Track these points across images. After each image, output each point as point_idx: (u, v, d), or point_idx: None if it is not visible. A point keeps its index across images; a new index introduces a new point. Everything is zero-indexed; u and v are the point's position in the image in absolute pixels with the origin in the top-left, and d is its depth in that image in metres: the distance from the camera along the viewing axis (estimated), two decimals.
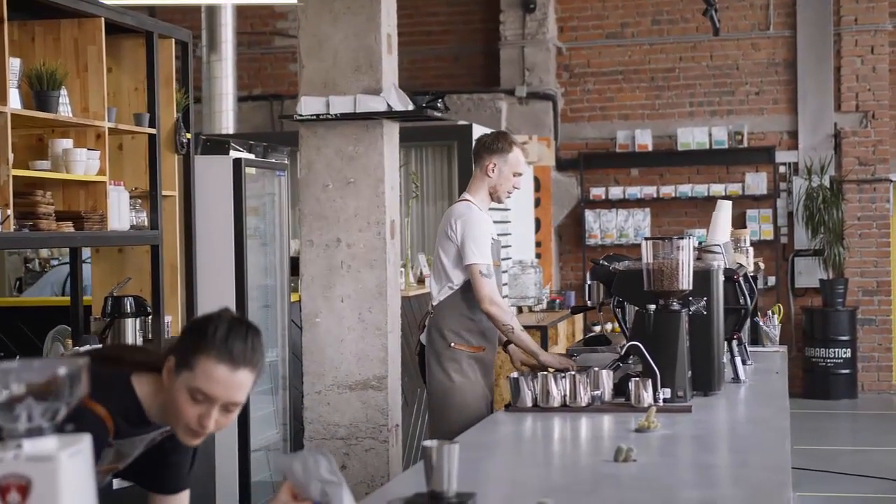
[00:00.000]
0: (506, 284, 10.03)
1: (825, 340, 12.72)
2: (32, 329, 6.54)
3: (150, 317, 5.89)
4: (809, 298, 13.17)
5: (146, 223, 5.89)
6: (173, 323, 6.12)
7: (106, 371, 2.88)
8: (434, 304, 5.48)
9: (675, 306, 4.68)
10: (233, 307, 6.61)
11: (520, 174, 5.47)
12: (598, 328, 10.88)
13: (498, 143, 5.46)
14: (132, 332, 5.72)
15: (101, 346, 5.05)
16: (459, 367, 5.39)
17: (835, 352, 12.70)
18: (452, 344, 5.39)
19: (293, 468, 2.50)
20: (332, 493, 2.49)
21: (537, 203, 12.68)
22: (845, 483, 8.75)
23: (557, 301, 11.18)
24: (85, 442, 1.91)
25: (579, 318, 11.24)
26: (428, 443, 2.84)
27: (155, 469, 3.01)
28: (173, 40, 6.23)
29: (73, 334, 5.80)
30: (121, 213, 5.61)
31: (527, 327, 9.20)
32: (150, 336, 5.90)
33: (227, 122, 11.22)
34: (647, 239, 4.74)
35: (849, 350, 12.73)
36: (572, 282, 13.40)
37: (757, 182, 13.13)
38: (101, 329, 5.74)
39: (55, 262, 9.05)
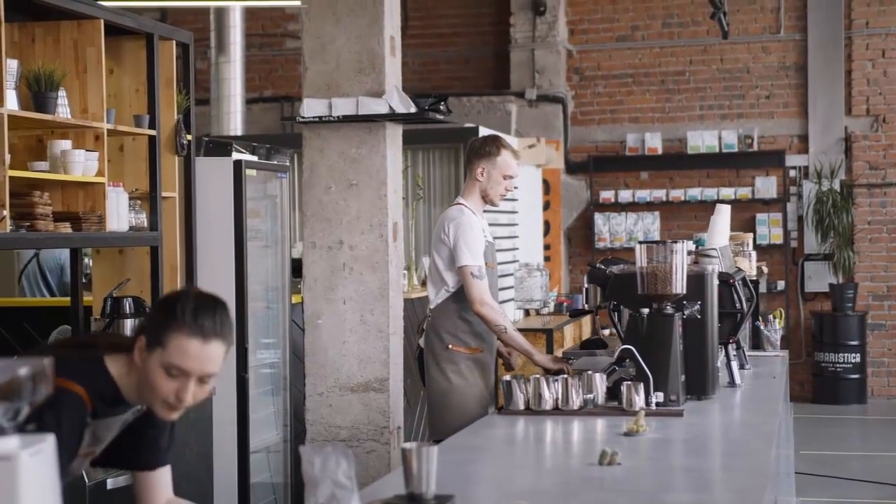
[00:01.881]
0: (510, 288, 10.03)
1: (835, 345, 12.67)
2: (36, 329, 6.56)
3: None
4: (819, 303, 13.12)
5: (146, 224, 5.91)
6: None
7: (80, 354, 2.98)
8: (431, 307, 5.51)
9: (669, 310, 4.67)
10: (233, 309, 6.65)
11: (511, 177, 5.46)
12: (607, 332, 10.85)
13: (486, 146, 5.47)
14: (131, 333, 5.74)
15: (72, 334, 5.18)
16: (457, 368, 5.40)
17: (844, 356, 12.65)
18: (450, 346, 5.40)
19: (313, 462, 2.50)
20: (341, 497, 2.49)
21: (546, 206, 12.68)
22: (853, 488, 8.71)
23: (565, 304, 11.15)
24: (48, 442, 1.92)
25: (587, 321, 11.21)
26: (406, 445, 2.85)
27: (132, 447, 3.09)
28: (174, 42, 6.25)
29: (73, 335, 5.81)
30: (119, 214, 5.62)
31: (532, 330, 9.29)
32: None
33: (234, 123, 11.25)
34: (640, 242, 4.74)
35: (858, 355, 12.68)
36: (581, 285, 13.34)
37: (767, 186, 13.08)
38: (100, 330, 5.76)
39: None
